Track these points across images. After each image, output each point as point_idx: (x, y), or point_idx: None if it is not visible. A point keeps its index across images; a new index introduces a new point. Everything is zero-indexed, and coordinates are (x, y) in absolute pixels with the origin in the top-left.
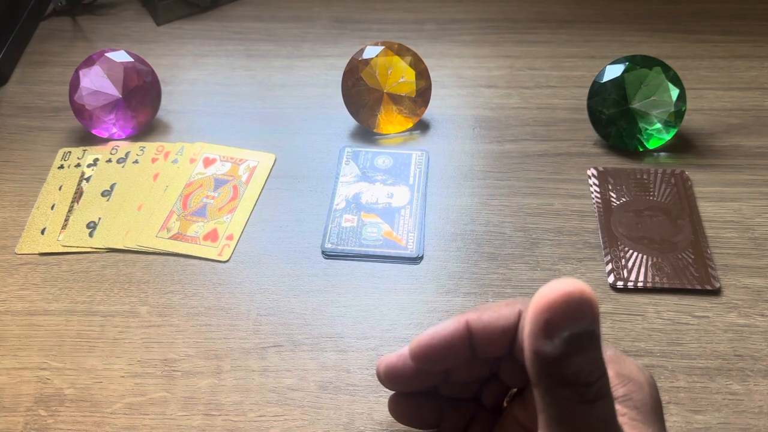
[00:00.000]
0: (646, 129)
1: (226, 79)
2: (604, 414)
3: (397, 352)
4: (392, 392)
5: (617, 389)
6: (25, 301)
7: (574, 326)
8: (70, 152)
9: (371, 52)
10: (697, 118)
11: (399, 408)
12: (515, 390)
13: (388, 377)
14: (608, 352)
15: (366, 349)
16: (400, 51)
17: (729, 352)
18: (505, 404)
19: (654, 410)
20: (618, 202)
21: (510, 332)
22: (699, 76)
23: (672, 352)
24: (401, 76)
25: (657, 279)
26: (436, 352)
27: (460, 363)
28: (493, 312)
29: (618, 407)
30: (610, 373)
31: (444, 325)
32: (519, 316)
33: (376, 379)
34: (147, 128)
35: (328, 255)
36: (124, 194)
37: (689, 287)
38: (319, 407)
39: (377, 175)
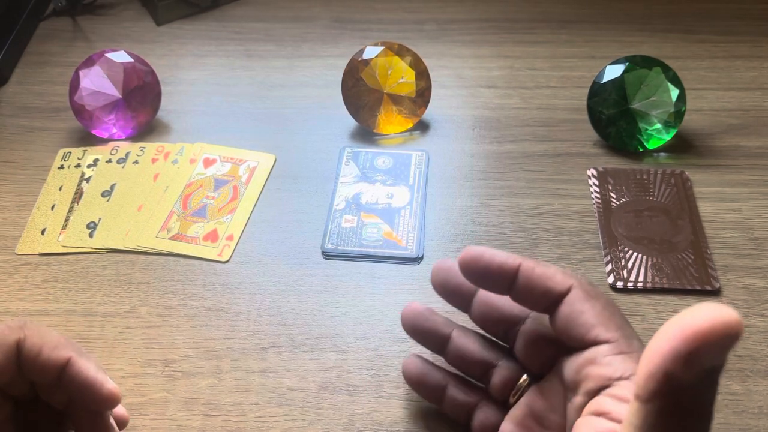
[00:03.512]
0: (646, 129)
1: (226, 79)
2: None
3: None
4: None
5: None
6: (26, 301)
7: (718, 360)
8: (70, 152)
9: (371, 52)
10: (697, 118)
11: (411, 368)
12: (524, 383)
13: (438, 280)
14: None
15: (366, 349)
16: (400, 51)
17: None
18: (511, 399)
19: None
20: (618, 203)
21: (551, 297)
22: (699, 76)
23: None
24: (401, 77)
25: (657, 279)
26: (481, 269)
27: (494, 292)
28: (547, 270)
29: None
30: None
31: (499, 253)
32: (569, 289)
33: (376, 379)
34: (147, 128)
35: (328, 255)
36: (124, 195)
37: (689, 287)
38: (319, 408)
39: (377, 176)
